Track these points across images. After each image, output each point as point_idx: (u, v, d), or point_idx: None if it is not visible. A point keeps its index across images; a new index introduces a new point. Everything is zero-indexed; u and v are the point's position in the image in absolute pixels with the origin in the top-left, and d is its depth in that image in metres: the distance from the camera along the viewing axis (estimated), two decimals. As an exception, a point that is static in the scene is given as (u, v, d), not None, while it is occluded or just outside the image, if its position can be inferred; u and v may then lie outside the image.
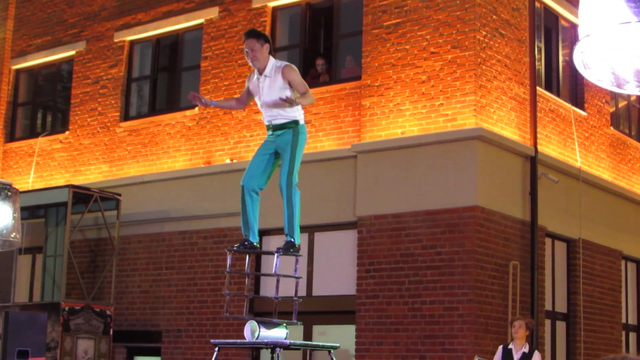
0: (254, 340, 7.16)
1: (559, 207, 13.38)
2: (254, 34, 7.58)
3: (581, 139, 14.32)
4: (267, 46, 7.47)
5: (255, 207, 7.59)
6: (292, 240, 7.39)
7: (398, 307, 11.90)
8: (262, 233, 11.06)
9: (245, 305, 7.96)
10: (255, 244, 7.62)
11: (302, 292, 12.73)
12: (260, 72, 7.49)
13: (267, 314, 8.12)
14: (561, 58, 14.44)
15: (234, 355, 13.42)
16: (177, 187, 14.57)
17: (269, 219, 10.23)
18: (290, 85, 7.43)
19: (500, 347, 10.10)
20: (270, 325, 7.29)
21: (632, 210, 15.54)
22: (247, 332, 7.24)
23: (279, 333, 7.34)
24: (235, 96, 8.20)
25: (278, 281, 7.32)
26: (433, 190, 11.93)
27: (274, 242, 11.62)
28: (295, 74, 7.47)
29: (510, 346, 9.99)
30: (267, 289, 13.08)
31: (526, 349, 9.93)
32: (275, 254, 7.35)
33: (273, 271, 7.35)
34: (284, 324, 7.41)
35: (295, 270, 7.51)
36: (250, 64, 7.59)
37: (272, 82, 7.43)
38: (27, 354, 9.60)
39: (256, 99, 7.68)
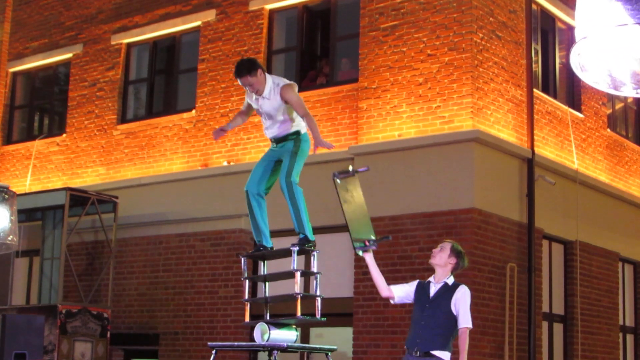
0: (264, 342, 7.15)
1: (556, 209, 13.38)
2: (243, 71, 7.35)
3: (578, 141, 14.32)
4: (259, 71, 7.34)
5: (263, 212, 7.62)
6: (305, 236, 7.40)
7: (395, 309, 11.89)
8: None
9: (265, 309, 7.91)
10: (269, 248, 7.65)
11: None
12: (260, 94, 7.44)
13: (276, 316, 8.07)
14: (558, 60, 14.45)
15: (231, 358, 13.40)
16: (174, 189, 14.56)
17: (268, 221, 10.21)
18: (289, 104, 7.39)
19: (415, 282, 7.18)
20: (280, 326, 7.27)
21: (629, 212, 15.54)
22: (256, 334, 7.23)
23: (288, 335, 7.32)
24: (241, 110, 8.06)
25: (297, 278, 7.27)
26: (430, 192, 11.93)
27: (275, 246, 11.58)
28: (293, 94, 7.37)
29: (430, 279, 7.11)
30: (274, 292, 13.07)
31: (449, 281, 7.06)
32: (292, 249, 7.32)
33: (291, 267, 7.32)
34: (294, 326, 7.40)
35: (312, 266, 7.50)
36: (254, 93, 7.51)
37: (269, 102, 7.41)
38: (25, 357, 9.59)
39: (259, 113, 7.67)
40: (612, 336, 14.63)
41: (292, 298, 7.29)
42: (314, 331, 13.04)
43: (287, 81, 7.47)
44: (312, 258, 7.50)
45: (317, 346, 8.15)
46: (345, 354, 12.46)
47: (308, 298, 7.41)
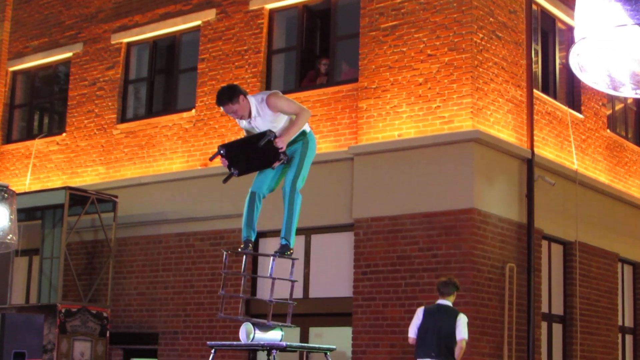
0: (249, 342, 7.18)
1: (556, 210, 13.39)
2: (225, 99, 7.24)
3: (578, 141, 14.33)
4: (241, 97, 7.24)
5: (258, 212, 7.71)
6: (287, 243, 7.44)
7: (394, 309, 11.90)
8: (259, 235, 11.06)
9: (241, 306, 7.98)
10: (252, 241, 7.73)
11: (299, 294, 12.73)
12: (247, 117, 7.41)
13: (262, 315, 8.13)
14: (558, 60, 14.45)
15: (230, 358, 13.41)
16: (173, 189, 14.57)
17: (266, 221, 10.22)
18: (282, 112, 7.35)
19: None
20: (265, 327, 7.30)
21: (629, 213, 15.55)
22: (242, 334, 7.26)
23: (274, 335, 7.35)
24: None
25: (273, 284, 7.34)
26: (430, 192, 11.94)
27: (271, 245, 11.62)
28: (280, 100, 7.30)
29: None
30: (263, 290, 13.07)
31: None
32: (272, 257, 7.38)
33: (269, 274, 7.39)
34: (279, 327, 7.42)
35: (291, 273, 7.54)
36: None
37: (263, 118, 7.38)
38: (24, 356, 9.59)
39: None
40: (611, 337, 14.63)
41: (265, 302, 7.34)
42: (313, 331, 13.05)
43: (268, 92, 7.43)
44: (291, 265, 7.55)
45: (316, 345, 8.16)
46: (345, 353, 12.47)
47: (281, 303, 7.45)
